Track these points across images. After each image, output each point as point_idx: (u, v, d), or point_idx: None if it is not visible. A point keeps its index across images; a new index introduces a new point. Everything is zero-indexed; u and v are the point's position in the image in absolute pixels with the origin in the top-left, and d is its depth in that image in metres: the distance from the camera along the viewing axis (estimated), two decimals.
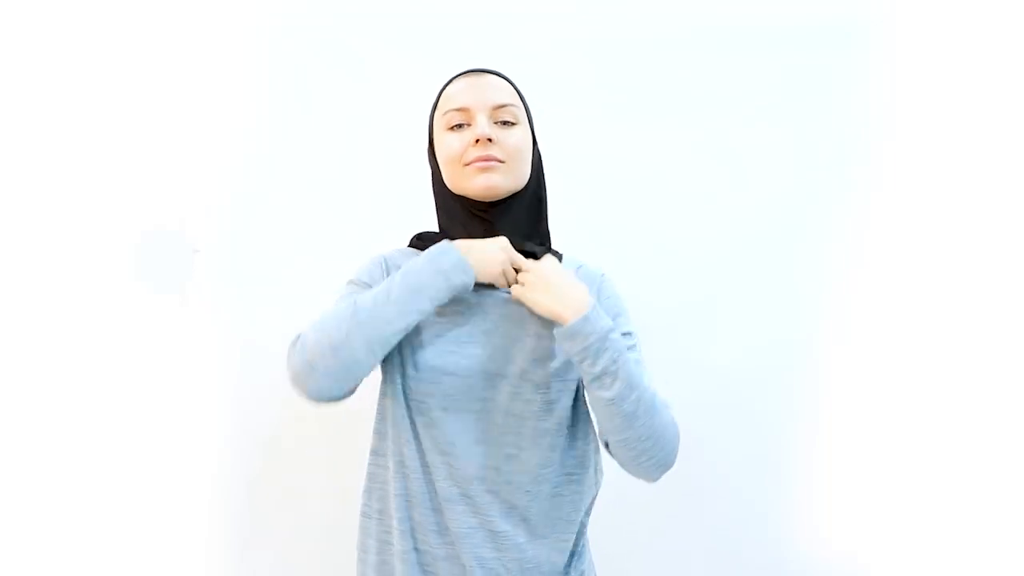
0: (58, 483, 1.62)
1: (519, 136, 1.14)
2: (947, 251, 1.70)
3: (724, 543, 1.71)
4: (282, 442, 1.67)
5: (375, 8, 1.70)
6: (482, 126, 1.11)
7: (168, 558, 1.65)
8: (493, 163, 1.11)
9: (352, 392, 1.08)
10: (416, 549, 1.11)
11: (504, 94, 1.14)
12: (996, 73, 1.69)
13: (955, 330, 1.69)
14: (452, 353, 1.11)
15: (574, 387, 1.15)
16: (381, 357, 1.06)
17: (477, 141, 1.10)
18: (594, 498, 1.20)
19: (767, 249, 1.71)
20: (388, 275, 1.16)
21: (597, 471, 1.20)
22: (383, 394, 1.17)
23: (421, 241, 1.20)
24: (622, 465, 1.11)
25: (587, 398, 1.12)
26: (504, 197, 1.14)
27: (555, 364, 1.12)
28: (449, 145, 1.13)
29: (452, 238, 1.15)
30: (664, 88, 1.71)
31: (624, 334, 1.16)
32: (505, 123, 1.13)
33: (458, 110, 1.13)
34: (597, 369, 1.04)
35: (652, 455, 1.08)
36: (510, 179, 1.13)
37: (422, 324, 1.12)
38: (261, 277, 1.68)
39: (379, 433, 1.17)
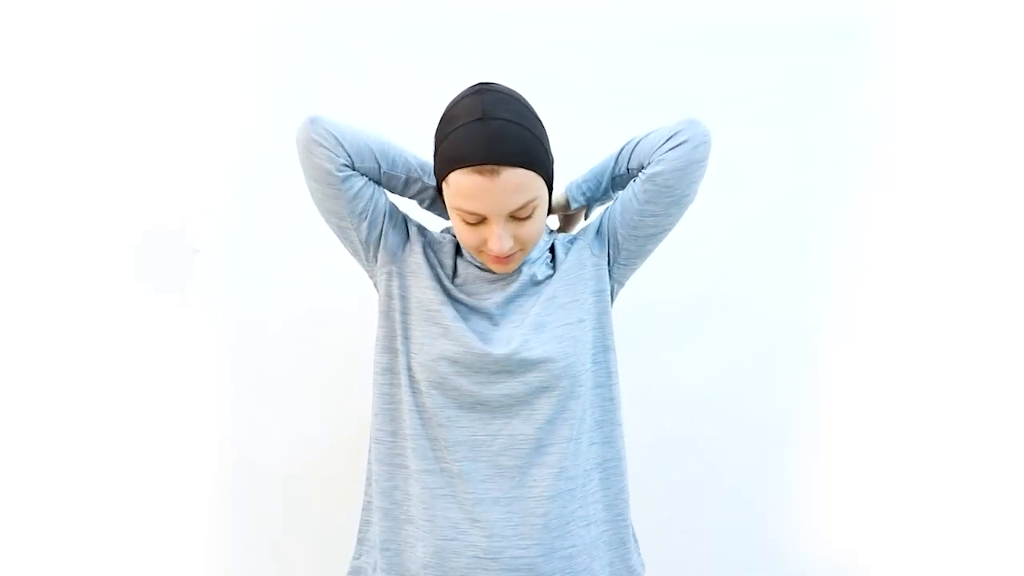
0: (58, 482, 1.62)
1: (539, 222, 1.11)
2: (947, 251, 1.70)
3: (724, 543, 1.71)
4: (282, 442, 1.67)
5: (375, 8, 1.70)
6: (502, 240, 1.08)
7: (168, 558, 1.65)
8: (511, 257, 1.12)
9: (345, 165, 1.12)
10: (431, 471, 1.12)
11: (522, 194, 1.05)
12: (996, 73, 1.68)
13: (955, 330, 1.69)
14: (465, 340, 1.12)
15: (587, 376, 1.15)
16: (380, 165, 1.14)
17: (495, 256, 1.11)
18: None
19: (767, 249, 1.71)
20: (423, 244, 1.20)
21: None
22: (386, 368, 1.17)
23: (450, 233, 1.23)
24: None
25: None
26: None
27: (570, 355, 1.13)
28: (463, 234, 1.11)
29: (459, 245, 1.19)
30: (664, 88, 1.71)
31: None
32: (523, 218, 1.09)
33: (471, 212, 1.07)
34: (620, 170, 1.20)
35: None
36: (523, 256, 1.15)
37: (431, 315, 1.13)
38: (261, 277, 1.68)
39: (389, 350, 1.17)
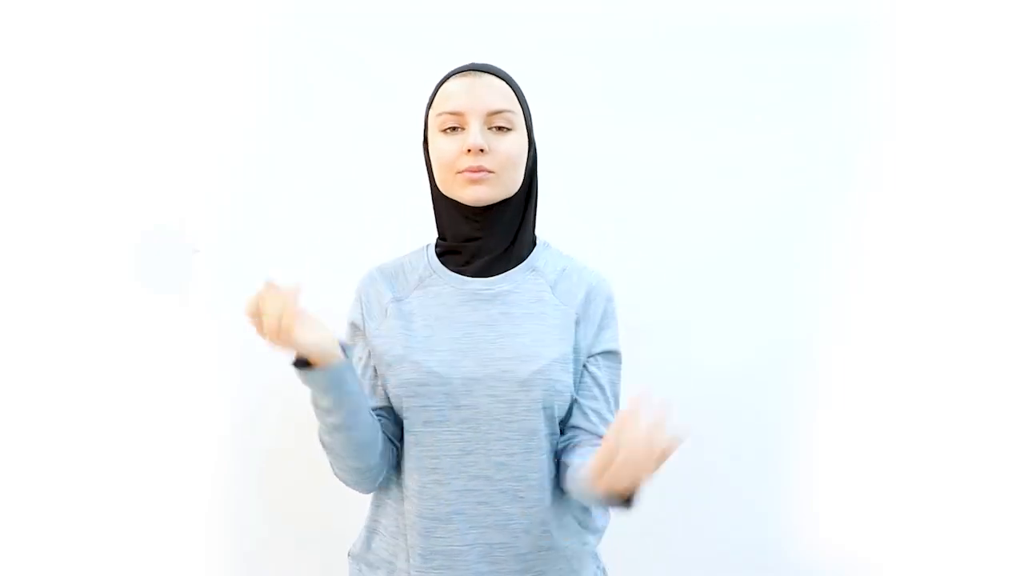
0: (58, 482, 1.62)
1: (513, 143, 1.12)
2: (947, 251, 1.69)
3: (724, 543, 1.71)
4: (282, 442, 1.67)
5: (375, 8, 1.70)
6: (474, 136, 1.09)
7: (168, 558, 1.65)
8: (483, 174, 1.10)
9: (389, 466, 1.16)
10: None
11: (501, 99, 1.12)
12: (996, 73, 1.68)
13: (955, 330, 1.68)
14: (425, 362, 1.11)
15: (563, 388, 1.12)
16: (373, 452, 1.10)
17: (468, 151, 1.09)
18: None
19: (767, 249, 1.71)
20: (363, 307, 1.20)
21: None
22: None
23: (439, 248, 1.22)
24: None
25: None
26: (493, 204, 1.14)
27: (536, 364, 1.10)
28: (441, 149, 1.12)
29: (444, 236, 1.19)
30: (664, 88, 1.71)
31: (606, 352, 1.18)
32: (500, 128, 1.11)
33: (452, 113, 1.11)
34: None
35: None
36: (499, 189, 1.13)
37: (393, 339, 1.14)
38: (261, 277, 1.67)
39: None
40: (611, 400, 1.17)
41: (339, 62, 1.69)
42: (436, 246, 1.22)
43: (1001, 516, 1.66)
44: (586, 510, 1.19)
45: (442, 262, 1.19)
